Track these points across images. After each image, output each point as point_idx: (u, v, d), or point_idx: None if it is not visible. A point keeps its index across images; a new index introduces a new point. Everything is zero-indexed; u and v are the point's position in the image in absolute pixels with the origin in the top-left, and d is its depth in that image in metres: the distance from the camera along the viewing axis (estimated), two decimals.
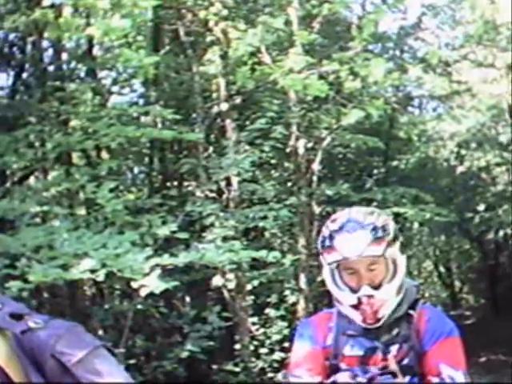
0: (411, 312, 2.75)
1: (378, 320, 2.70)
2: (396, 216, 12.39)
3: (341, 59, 10.59)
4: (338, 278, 2.71)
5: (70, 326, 1.87)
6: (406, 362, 2.71)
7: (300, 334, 2.87)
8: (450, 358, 2.69)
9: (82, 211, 8.32)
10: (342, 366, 2.74)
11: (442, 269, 20.93)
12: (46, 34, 9.22)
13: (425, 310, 2.78)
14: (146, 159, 11.95)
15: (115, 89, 11.86)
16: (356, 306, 2.68)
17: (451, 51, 14.94)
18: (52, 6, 8.22)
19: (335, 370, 2.75)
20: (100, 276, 6.49)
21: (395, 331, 2.74)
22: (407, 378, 2.71)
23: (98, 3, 7.67)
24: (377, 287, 2.67)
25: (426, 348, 2.71)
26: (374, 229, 2.66)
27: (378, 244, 2.64)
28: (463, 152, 16.46)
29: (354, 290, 2.68)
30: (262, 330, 9.87)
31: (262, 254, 7.60)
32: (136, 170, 12.77)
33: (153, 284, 6.54)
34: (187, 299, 10.19)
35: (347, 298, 2.69)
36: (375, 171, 15.07)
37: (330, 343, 2.78)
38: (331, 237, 2.67)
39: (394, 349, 2.72)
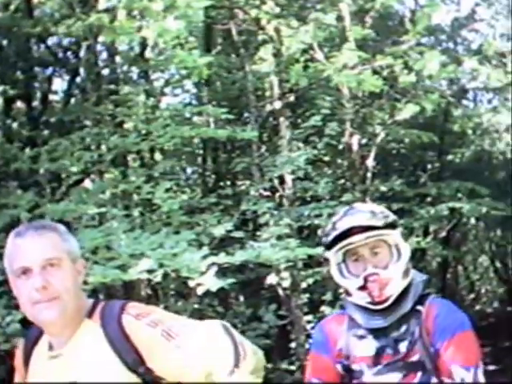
0: (419, 308, 2.77)
1: (386, 299, 2.73)
2: (451, 211, 12.28)
3: (394, 53, 10.51)
4: (345, 271, 2.80)
5: None
6: (415, 358, 2.73)
7: (314, 340, 3.01)
8: (461, 356, 2.69)
9: (137, 212, 8.42)
10: (354, 366, 2.81)
11: (498, 264, 20.59)
12: (100, 38, 9.33)
13: (434, 304, 2.78)
14: (199, 159, 12.02)
15: (168, 90, 11.97)
16: (362, 287, 2.73)
17: (506, 42, 14.70)
18: (106, 9, 8.33)
19: (348, 371, 2.83)
20: (157, 276, 6.56)
21: (404, 328, 2.76)
22: (418, 375, 2.73)
23: (152, 5, 7.74)
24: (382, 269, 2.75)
25: (437, 347, 2.72)
26: (373, 212, 2.80)
27: (377, 220, 2.76)
28: None
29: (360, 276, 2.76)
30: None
31: (318, 250, 7.61)
32: (189, 170, 12.86)
33: (209, 282, 6.58)
34: (242, 298, 10.23)
35: (354, 282, 2.75)
36: (429, 166, 14.93)
37: (342, 346, 2.85)
38: (334, 225, 2.79)
39: (403, 346, 2.75)
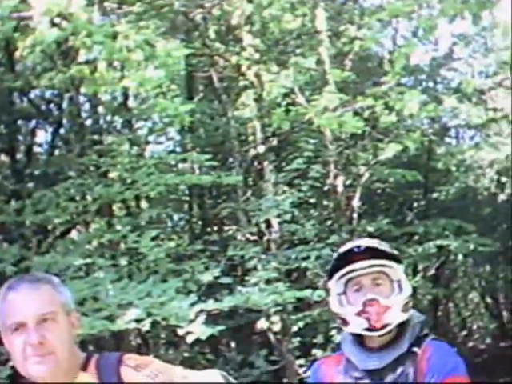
0: (415, 349, 2.74)
1: (384, 326, 2.70)
2: (439, 249, 12.30)
3: (375, 94, 10.58)
4: (345, 301, 2.77)
5: None
6: None
7: (311, 378, 2.98)
8: None
9: (124, 261, 8.41)
10: None
11: (488, 300, 20.54)
12: (82, 89, 9.37)
13: (430, 346, 2.75)
14: (186, 206, 12.04)
15: (151, 138, 12.01)
16: (360, 312, 2.71)
17: (485, 79, 14.87)
18: (87, 61, 8.37)
19: None
20: (146, 325, 6.53)
21: (400, 370, 2.73)
22: None
23: (132, 56, 7.78)
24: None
25: None
26: (379, 242, 2.83)
27: (382, 246, 2.79)
28: (503, 179, 16.27)
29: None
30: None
31: (307, 293, 7.61)
32: (176, 217, 12.86)
33: (198, 330, 6.55)
34: (232, 344, 10.17)
35: (352, 309, 2.73)
36: (415, 204, 14.96)
37: None
38: (339, 257, 2.80)
39: None
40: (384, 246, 2.80)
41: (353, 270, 2.74)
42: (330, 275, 2.81)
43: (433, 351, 2.73)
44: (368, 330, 2.72)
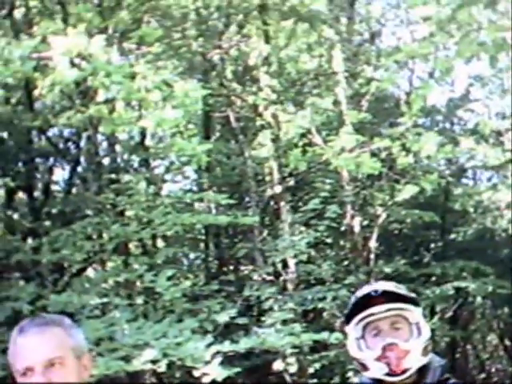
0: None
1: (404, 371, 2.64)
2: (457, 290, 12.20)
3: (392, 135, 10.61)
4: (363, 346, 2.72)
5: None
6: None
7: None
8: None
9: (140, 301, 8.38)
10: None
11: (507, 342, 20.28)
12: (100, 128, 9.42)
13: None
14: (202, 245, 12.01)
15: (168, 177, 12.02)
16: (380, 358, 2.66)
17: (502, 120, 14.87)
18: (105, 101, 8.43)
19: None
20: (162, 367, 6.48)
21: None
22: None
23: (150, 96, 7.84)
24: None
25: None
26: (396, 285, 2.77)
27: (399, 289, 2.74)
28: None
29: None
30: None
31: (324, 336, 7.52)
32: (192, 255, 12.84)
33: (215, 372, 6.49)
34: None
35: (372, 354, 2.67)
36: (432, 245, 14.86)
37: None
38: (356, 302, 2.74)
39: None
40: (401, 290, 2.76)
41: (371, 315, 2.70)
42: (348, 320, 2.77)
43: None
44: (388, 374, 2.67)
